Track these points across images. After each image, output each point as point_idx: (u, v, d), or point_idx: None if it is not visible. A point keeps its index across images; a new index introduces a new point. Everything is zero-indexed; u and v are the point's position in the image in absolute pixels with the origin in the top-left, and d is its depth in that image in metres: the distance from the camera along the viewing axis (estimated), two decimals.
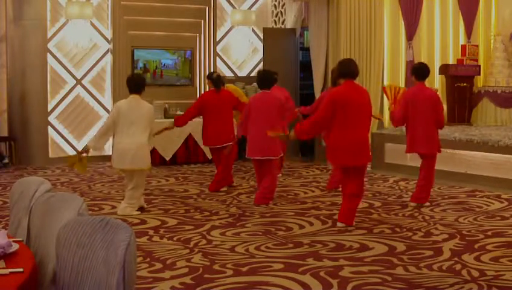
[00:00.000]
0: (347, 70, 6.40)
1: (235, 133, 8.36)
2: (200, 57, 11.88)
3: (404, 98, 7.35)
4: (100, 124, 11.06)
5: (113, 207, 7.29)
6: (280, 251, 5.40)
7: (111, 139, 8.50)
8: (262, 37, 12.13)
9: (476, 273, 4.71)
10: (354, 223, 6.35)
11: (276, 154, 7.44)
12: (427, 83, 7.57)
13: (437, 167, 9.07)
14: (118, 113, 6.89)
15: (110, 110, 11.17)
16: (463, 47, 12.22)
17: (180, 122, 8.45)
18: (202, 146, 9.87)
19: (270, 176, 7.43)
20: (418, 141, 7.27)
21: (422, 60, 11.83)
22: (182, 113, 10.99)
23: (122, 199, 7.66)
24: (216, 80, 8.46)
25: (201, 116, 8.53)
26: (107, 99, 11.30)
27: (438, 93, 8.85)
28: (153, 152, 10.65)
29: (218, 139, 8.32)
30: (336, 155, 6.39)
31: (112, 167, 7.32)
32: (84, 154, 7.07)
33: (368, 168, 9.28)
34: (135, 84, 7.02)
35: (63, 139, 11.05)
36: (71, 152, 11.04)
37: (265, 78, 7.73)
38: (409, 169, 8.99)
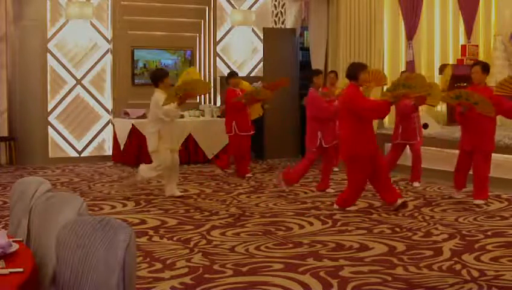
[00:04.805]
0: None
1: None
2: (200, 57, 11.88)
3: None
4: (100, 124, 11.18)
5: (113, 207, 7.30)
6: (280, 251, 5.40)
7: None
8: (262, 37, 12.12)
9: (476, 273, 4.72)
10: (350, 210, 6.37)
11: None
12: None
13: (437, 167, 9.09)
14: None
15: (110, 110, 11.25)
16: (463, 47, 12.21)
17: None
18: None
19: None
20: None
21: (422, 60, 11.85)
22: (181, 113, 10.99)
23: (122, 199, 7.75)
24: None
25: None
26: (107, 99, 11.29)
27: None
28: None
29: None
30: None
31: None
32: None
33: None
34: (151, 78, 8.10)
35: (63, 139, 11.04)
36: (71, 152, 11.07)
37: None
38: (409, 169, 8.96)
